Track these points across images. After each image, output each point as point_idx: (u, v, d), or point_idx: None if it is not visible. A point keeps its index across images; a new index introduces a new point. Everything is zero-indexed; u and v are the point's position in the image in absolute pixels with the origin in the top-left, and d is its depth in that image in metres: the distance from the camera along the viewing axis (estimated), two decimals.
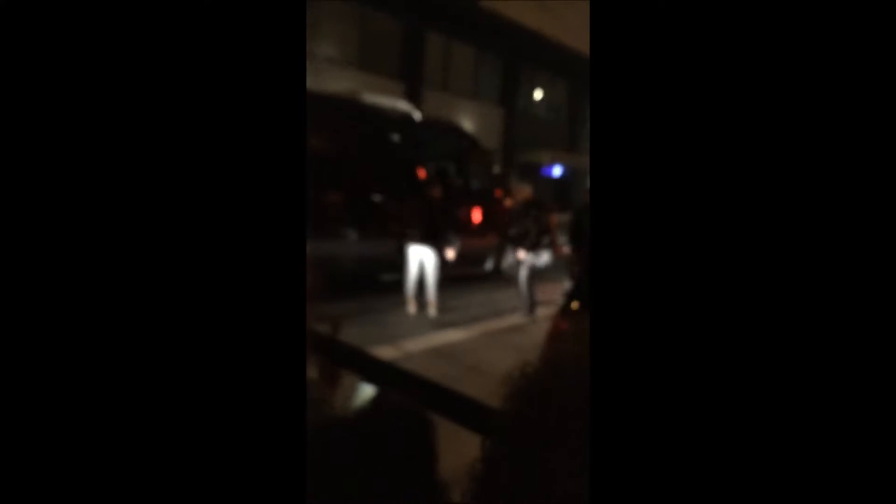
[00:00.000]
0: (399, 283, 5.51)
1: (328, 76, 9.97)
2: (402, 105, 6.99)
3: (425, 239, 5.19)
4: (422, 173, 6.11)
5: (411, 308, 5.29)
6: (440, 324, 4.99)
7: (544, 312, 5.30)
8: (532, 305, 5.27)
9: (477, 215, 6.42)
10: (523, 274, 5.25)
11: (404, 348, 4.25)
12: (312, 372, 0.70)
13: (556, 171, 14.20)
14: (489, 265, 7.06)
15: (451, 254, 5.30)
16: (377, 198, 5.87)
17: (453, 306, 5.57)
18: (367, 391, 1.07)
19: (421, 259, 5.23)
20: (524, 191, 5.54)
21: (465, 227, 6.18)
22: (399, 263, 5.47)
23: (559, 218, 6.20)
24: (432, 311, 5.25)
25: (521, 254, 5.22)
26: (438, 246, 5.25)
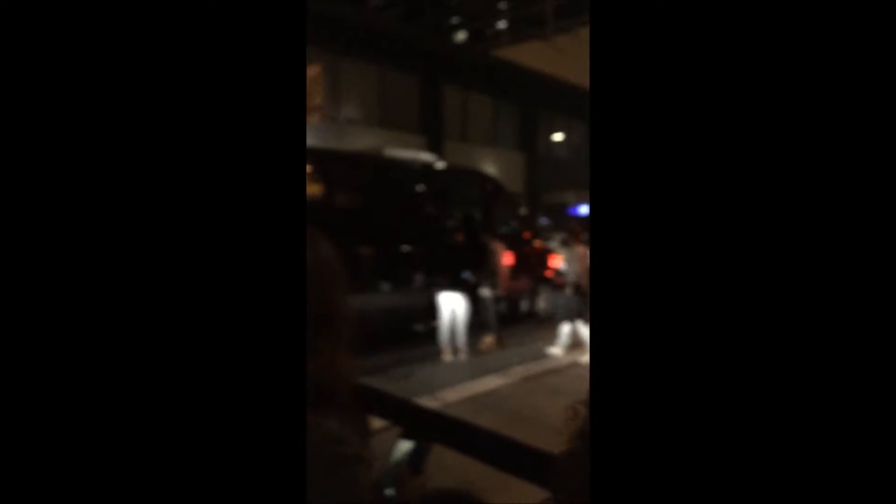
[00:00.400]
0: (432, 333, 5.46)
1: (352, 136, 10.26)
2: (425, 156, 7.12)
3: (454, 286, 5.18)
4: (448, 221, 6.12)
5: (447, 356, 5.23)
6: (477, 371, 4.89)
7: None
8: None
9: (508, 258, 6.39)
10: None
11: (443, 399, 4.16)
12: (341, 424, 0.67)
13: (584, 209, 14.17)
14: (524, 306, 6.96)
15: (487, 293, 5.27)
16: (406, 248, 5.90)
17: (492, 351, 5.48)
18: (404, 446, 1.02)
19: (452, 306, 5.20)
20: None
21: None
22: (431, 313, 5.44)
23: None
24: (464, 356, 5.22)
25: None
26: (468, 292, 5.22)
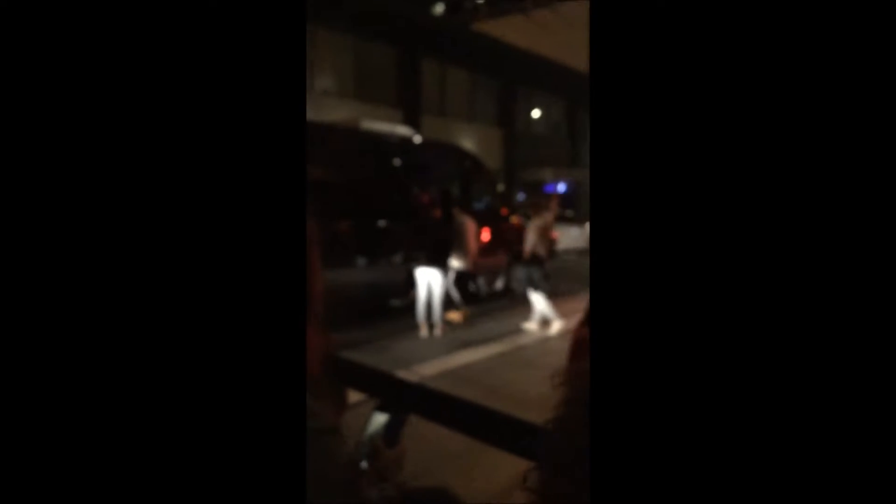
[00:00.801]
0: (409, 308, 5.47)
1: (327, 108, 10.08)
2: (402, 129, 7.03)
3: (430, 261, 5.17)
4: (424, 196, 6.10)
5: (423, 332, 5.25)
6: (454, 345, 4.92)
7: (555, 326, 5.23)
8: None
9: (485, 234, 6.40)
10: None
11: (420, 373, 4.18)
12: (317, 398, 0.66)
13: (560, 186, 14.22)
14: (499, 283, 7.00)
15: (456, 264, 5.32)
16: (383, 223, 5.86)
17: (465, 325, 5.51)
18: (380, 419, 1.01)
19: (428, 281, 5.20)
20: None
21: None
22: (408, 288, 5.43)
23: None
24: (438, 331, 5.24)
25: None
26: (444, 267, 5.22)
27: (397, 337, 5.18)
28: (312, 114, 8.82)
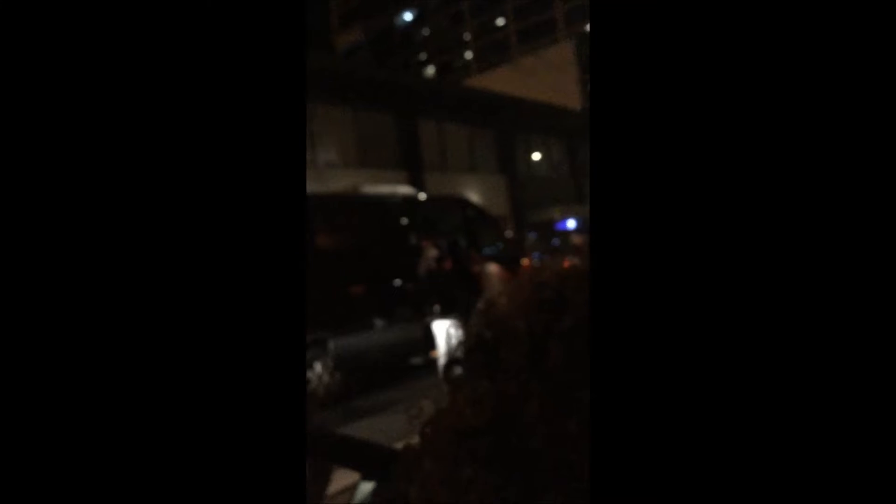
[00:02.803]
0: (430, 364, 5.43)
1: (331, 180, 10.35)
2: (403, 188, 7.18)
3: (445, 313, 5.17)
4: (431, 250, 6.16)
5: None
6: None
7: None
8: None
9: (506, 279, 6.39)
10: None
11: None
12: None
13: (571, 223, 14.25)
14: None
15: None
16: (396, 282, 5.90)
17: None
18: (366, 487, 0.99)
19: (447, 333, 5.18)
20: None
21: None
22: (427, 344, 5.41)
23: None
24: None
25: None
26: (460, 317, 5.21)
27: (423, 394, 5.11)
28: (318, 186, 9.06)
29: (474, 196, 13.07)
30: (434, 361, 5.35)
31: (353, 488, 1.01)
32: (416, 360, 5.88)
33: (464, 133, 15.38)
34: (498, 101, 14.60)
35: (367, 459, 1.05)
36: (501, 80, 13.54)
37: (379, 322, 5.66)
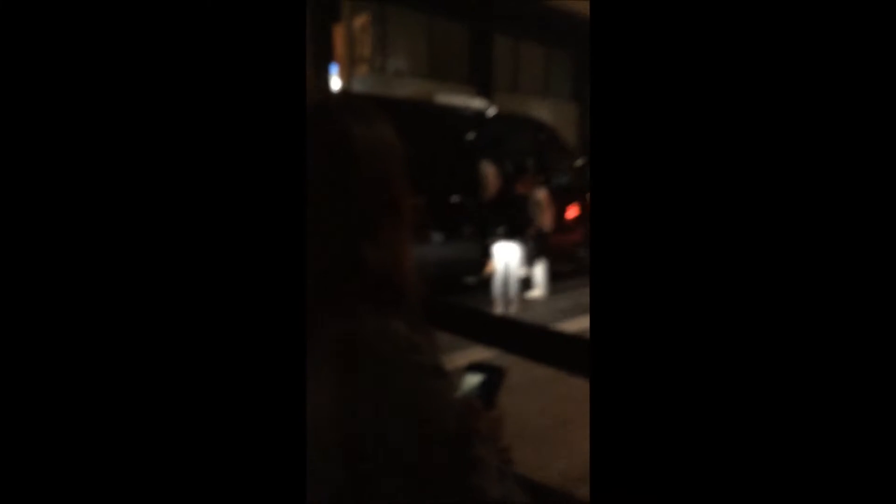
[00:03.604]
0: (484, 284, 5.36)
1: (400, 88, 10.06)
2: (476, 103, 6.88)
3: (508, 237, 5.04)
4: (490, 168, 5.93)
5: (499, 308, 5.13)
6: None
7: None
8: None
9: (572, 211, 6.17)
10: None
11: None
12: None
13: None
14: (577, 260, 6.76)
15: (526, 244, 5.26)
16: (457, 199, 5.75)
17: (542, 303, 5.35)
18: (474, 378, 0.92)
19: (506, 258, 5.06)
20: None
21: (558, 224, 6.02)
22: (482, 264, 5.32)
23: None
24: (514, 308, 5.13)
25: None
26: (523, 243, 5.07)
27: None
28: (384, 91, 8.82)
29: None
30: (487, 281, 5.28)
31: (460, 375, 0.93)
32: (471, 280, 5.81)
33: (539, 54, 14.61)
34: (579, 24, 13.69)
35: (482, 329, 0.98)
36: (585, 1, 12.56)
37: (436, 236, 5.57)
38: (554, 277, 6.20)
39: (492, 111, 6.73)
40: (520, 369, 1.00)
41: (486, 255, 5.27)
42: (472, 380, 0.92)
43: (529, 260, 5.31)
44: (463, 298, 5.51)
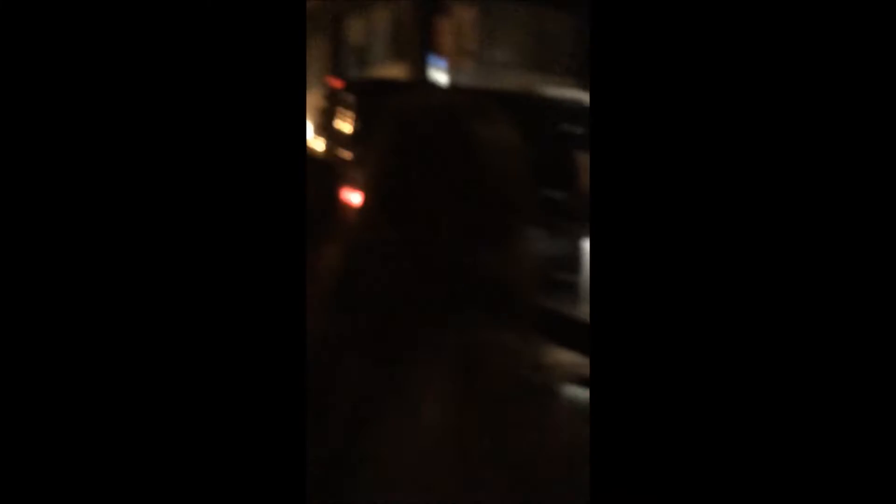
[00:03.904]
0: (582, 283, 5.22)
1: (503, 79, 10.00)
2: (580, 95, 6.69)
3: None
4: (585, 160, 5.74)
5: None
6: None
7: None
8: None
9: None
10: None
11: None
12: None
13: None
14: None
15: None
16: (552, 192, 5.64)
17: None
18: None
19: None
20: None
21: None
22: (582, 261, 5.19)
23: None
24: None
25: None
26: None
27: (572, 310, 4.97)
28: (487, 84, 8.80)
29: None
30: (575, 282, 5.13)
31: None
32: (562, 276, 5.69)
33: None
34: None
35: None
36: None
37: (536, 232, 5.49)
38: None
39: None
40: None
41: (579, 253, 5.13)
42: (583, 393, 0.88)
43: None
44: (555, 296, 5.41)
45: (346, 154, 4.10)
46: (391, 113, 0.67)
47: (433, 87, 7.12)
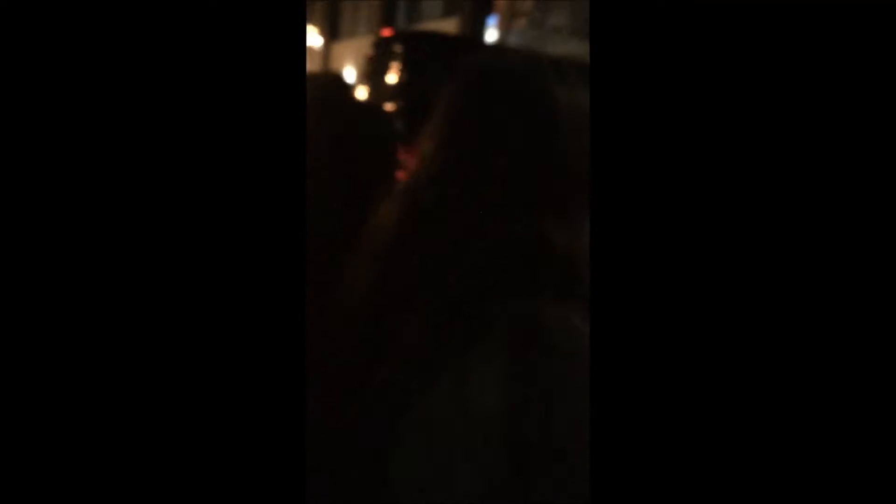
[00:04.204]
0: None
1: (556, 44, 9.71)
2: None
3: None
4: None
5: None
6: None
7: None
8: None
9: None
10: None
11: None
12: None
13: None
14: None
15: None
16: None
17: None
18: None
19: None
20: None
21: None
22: None
23: None
24: None
25: None
26: None
27: None
28: (540, 48, 8.56)
29: None
30: None
31: None
32: None
33: None
34: None
35: None
36: None
37: None
38: None
39: None
40: None
41: None
42: None
43: None
44: None
45: (391, 105, 4.03)
46: (467, 68, 0.63)
47: (492, 46, 6.92)
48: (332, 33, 15.30)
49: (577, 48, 9.83)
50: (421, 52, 3.95)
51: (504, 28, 9.21)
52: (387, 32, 4.79)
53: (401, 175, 0.80)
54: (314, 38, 14.12)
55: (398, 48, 4.20)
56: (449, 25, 11.09)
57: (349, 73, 12.36)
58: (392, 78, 4.20)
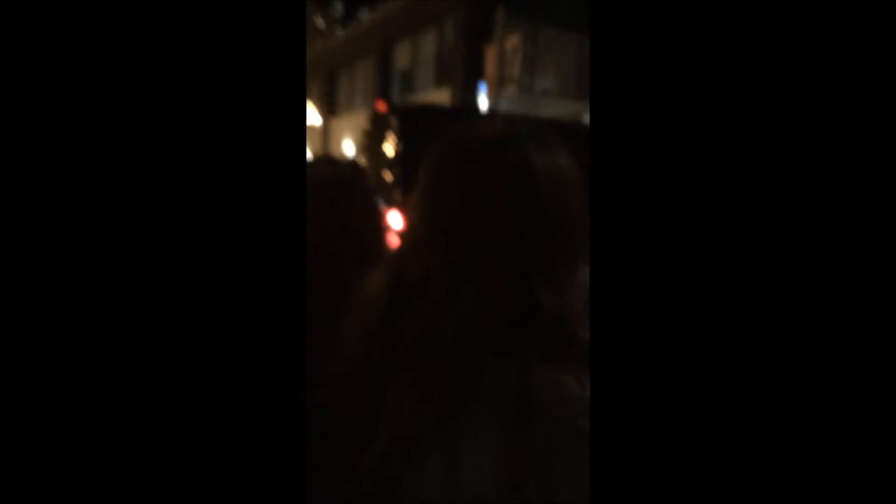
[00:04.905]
0: None
1: (547, 107, 10.00)
2: None
3: None
4: None
5: None
6: None
7: None
8: None
9: None
10: None
11: None
12: None
13: None
14: None
15: None
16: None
17: None
18: None
19: None
20: None
21: None
22: None
23: None
24: None
25: None
26: None
27: None
28: (529, 111, 8.81)
29: None
30: None
31: None
32: None
33: None
34: None
35: None
36: None
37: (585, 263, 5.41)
38: None
39: None
40: None
41: None
42: None
43: None
44: None
45: (389, 176, 4.12)
46: (447, 140, 0.65)
47: (484, 114, 7.13)
48: (329, 109, 15.80)
49: (567, 109, 10.13)
50: (415, 124, 4.08)
51: (493, 96, 9.52)
52: (382, 107, 4.96)
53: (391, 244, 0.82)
54: (313, 116, 14.55)
55: (393, 122, 4.34)
56: (442, 95, 11.47)
57: (348, 146, 12.67)
58: (390, 150, 4.32)
